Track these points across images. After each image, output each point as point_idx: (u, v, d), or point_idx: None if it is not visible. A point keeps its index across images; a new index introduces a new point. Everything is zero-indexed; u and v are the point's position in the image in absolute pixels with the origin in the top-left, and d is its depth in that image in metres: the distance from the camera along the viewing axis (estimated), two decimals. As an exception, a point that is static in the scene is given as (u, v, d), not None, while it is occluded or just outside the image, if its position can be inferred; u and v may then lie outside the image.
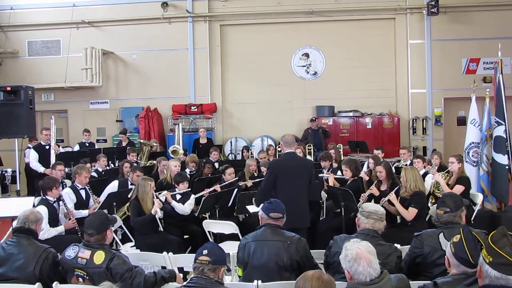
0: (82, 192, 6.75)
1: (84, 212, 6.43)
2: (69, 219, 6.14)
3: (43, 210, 5.76)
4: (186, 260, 4.45)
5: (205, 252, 3.19)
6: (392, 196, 5.87)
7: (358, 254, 2.91)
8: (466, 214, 4.22)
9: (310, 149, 10.97)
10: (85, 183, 6.77)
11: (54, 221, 5.95)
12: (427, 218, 6.09)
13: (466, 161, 7.94)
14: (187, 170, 8.40)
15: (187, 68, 13.75)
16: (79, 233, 5.91)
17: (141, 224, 6.02)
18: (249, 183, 7.61)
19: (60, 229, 5.98)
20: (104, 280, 3.17)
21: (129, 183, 7.37)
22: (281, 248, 3.93)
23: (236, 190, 7.01)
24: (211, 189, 7.16)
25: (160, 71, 13.78)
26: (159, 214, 6.12)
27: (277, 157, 10.08)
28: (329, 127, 12.89)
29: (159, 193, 6.54)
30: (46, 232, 5.69)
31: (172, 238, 6.14)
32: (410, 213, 5.67)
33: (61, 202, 6.19)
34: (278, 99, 13.70)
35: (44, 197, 6.07)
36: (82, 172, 6.76)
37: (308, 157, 10.32)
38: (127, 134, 12.78)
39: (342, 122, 13.17)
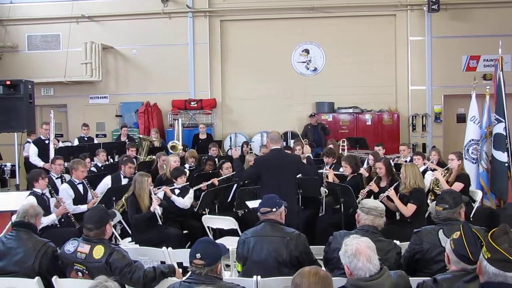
0: (80, 187, 6.72)
1: (83, 207, 6.43)
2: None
3: (32, 200, 5.76)
4: (185, 255, 4.39)
5: (198, 256, 3.11)
6: (391, 192, 5.88)
7: (358, 250, 2.92)
8: (465, 211, 4.23)
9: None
10: (82, 178, 6.75)
11: (45, 212, 5.93)
12: (426, 215, 6.09)
13: (466, 158, 7.93)
14: (187, 166, 8.39)
15: (187, 63, 13.72)
16: (72, 219, 5.91)
17: (140, 221, 6.01)
18: (249, 178, 7.60)
19: (52, 217, 5.97)
20: (104, 275, 3.17)
21: (122, 176, 7.37)
22: (280, 244, 3.93)
23: (235, 185, 7.02)
24: (209, 182, 7.18)
25: (160, 66, 13.76)
26: (158, 211, 6.11)
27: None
28: (329, 123, 12.89)
29: (159, 188, 6.54)
30: None
31: (172, 233, 6.14)
32: (408, 210, 5.68)
33: (48, 193, 6.19)
34: (278, 95, 13.67)
35: (32, 190, 6.07)
36: (79, 167, 6.73)
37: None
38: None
39: (342, 118, 13.17)
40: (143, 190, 6.04)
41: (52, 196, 6.24)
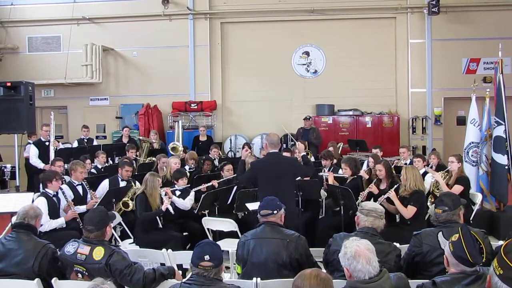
0: (79, 188, 6.72)
1: (81, 208, 6.42)
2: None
3: (42, 201, 5.78)
4: (185, 257, 4.43)
5: (207, 257, 3.12)
6: (391, 193, 5.87)
7: (357, 252, 2.92)
8: (465, 213, 4.24)
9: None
10: (82, 179, 6.74)
11: (54, 214, 5.96)
12: (426, 217, 6.09)
13: (466, 161, 7.94)
14: (187, 167, 8.40)
15: (188, 65, 13.74)
16: (81, 225, 5.92)
17: (149, 219, 6.08)
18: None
19: (61, 221, 5.99)
20: (104, 276, 3.18)
21: (119, 179, 7.35)
22: (280, 246, 3.93)
23: (235, 187, 7.02)
24: (209, 184, 7.18)
25: (160, 68, 13.78)
26: (171, 211, 6.15)
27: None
28: (329, 126, 12.93)
29: (160, 189, 6.54)
30: (46, 223, 5.69)
31: (171, 235, 6.15)
32: (409, 211, 5.68)
33: (61, 195, 6.18)
34: (278, 97, 13.69)
35: (43, 190, 6.07)
36: (77, 168, 6.73)
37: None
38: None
39: (342, 120, 13.16)
40: (155, 189, 6.14)
41: (65, 197, 6.23)
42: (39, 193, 6.21)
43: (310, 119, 12.23)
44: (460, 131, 10.92)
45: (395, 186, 6.04)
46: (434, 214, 4.04)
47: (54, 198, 6.10)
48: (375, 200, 6.09)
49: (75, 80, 13.50)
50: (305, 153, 6.12)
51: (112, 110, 14.04)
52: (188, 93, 13.76)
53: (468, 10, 13.10)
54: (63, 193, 6.21)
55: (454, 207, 3.94)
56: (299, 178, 6.31)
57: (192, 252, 3.28)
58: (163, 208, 6.05)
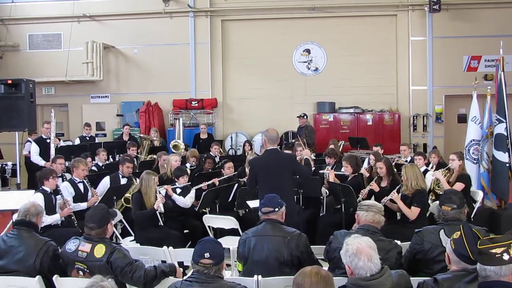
0: (80, 186, 6.74)
1: (82, 205, 6.45)
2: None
3: (39, 197, 5.80)
4: (186, 255, 4.45)
5: (207, 255, 3.12)
6: (394, 195, 5.84)
7: (359, 249, 2.92)
8: (466, 211, 4.24)
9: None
10: (83, 176, 6.77)
11: (50, 211, 5.96)
12: (427, 214, 6.09)
13: (467, 159, 7.93)
14: (188, 165, 8.40)
15: (188, 63, 13.71)
16: (75, 223, 5.94)
17: (142, 218, 6.04)
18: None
19: (56, 217, 6.00)
20: (105, 274, 3.18)
21: (120, 176, 7.37)
22: (281, 244, 3.93)
23: (236, 185, 7.02)
24: (210, 182, 7.19)
25: (161, 66, 13.76)
26: (161, 210, 6.12)
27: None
28: (330, 123, 12.92)
29: (160, 187, 6.55)
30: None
31: (172, 232, 6.15)
32: (413, 212, 5.66)
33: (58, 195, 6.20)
34: (279, 95, 13.68)
35: (40, 188, 6.09)
36: (79, 165, 6.75)
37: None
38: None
39: (343, 118, 13.15)
40: (150, 188, 6.11)
41: (57, 194, 6.25)
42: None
43: (304, 116, 12.10)
44: (461, 129, 10.91)
45: (397, 187, 6.02)
46: (441, 211, 4.01)
47: (52, 195, 6.11)
48: (376, 198, 6.10)
49: (75, 78, 13.49)
50: (307, 157, 6.14)
51: (113, 108, 14.03)
52: (189, 91, 13.74)
53: (469, 7, 13.07)
54: (59, 191, 6.24)
55: (461, 205, 3.95)
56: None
57: (193, 249, 3.28)
58: (155, 207, 6.01)
